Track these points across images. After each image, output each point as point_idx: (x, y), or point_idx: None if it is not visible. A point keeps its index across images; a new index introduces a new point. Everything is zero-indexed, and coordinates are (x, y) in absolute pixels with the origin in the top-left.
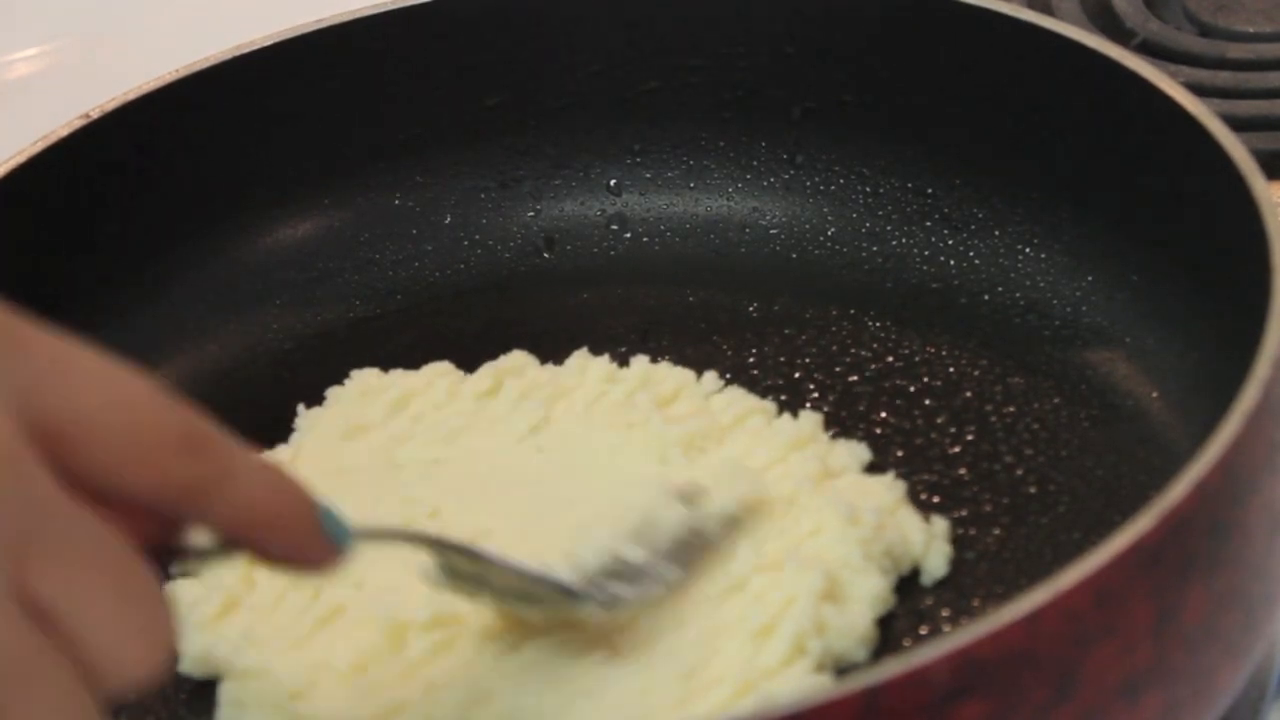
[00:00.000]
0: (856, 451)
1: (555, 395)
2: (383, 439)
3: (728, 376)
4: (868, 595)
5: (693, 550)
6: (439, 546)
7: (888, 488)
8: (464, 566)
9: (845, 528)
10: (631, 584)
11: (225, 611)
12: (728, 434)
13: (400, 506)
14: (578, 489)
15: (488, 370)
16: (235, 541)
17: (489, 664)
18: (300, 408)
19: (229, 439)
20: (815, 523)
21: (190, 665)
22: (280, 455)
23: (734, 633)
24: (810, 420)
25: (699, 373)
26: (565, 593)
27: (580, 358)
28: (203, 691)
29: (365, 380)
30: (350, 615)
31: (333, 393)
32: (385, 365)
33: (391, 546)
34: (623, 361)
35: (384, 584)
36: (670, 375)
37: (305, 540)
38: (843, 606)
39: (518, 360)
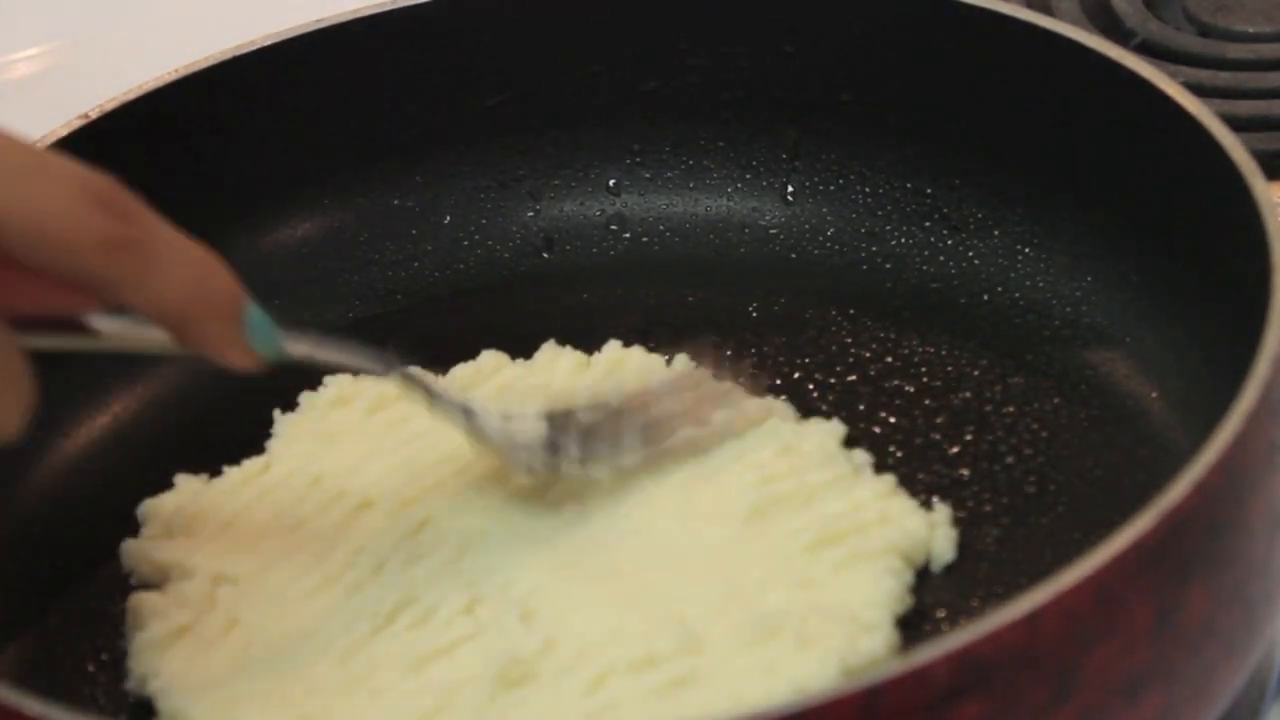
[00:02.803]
0: (831, 429)
1: (527, 391)
2: (360, 443)
3: (727, 377)
4: (882, 599)
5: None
6: (381, 370)
7: (878, 484)
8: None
9: (832, 543)
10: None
11: (177, 635)
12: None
13: (385, 510)
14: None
15: (459, 371)
16: (153, 324)
17: None
18: (276, 413)
19: (158, 224)
20: (811, 536)
21: (135, 683)
22: (257, 463)
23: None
24: (783, 407)
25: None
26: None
27: (549, 350)
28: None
29: (339, 386)
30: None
31: (306, 398)
32: None
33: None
34: None
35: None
36: (640, 361)
37: (225, 338)
38: (857, 618)
39: (490, 360)
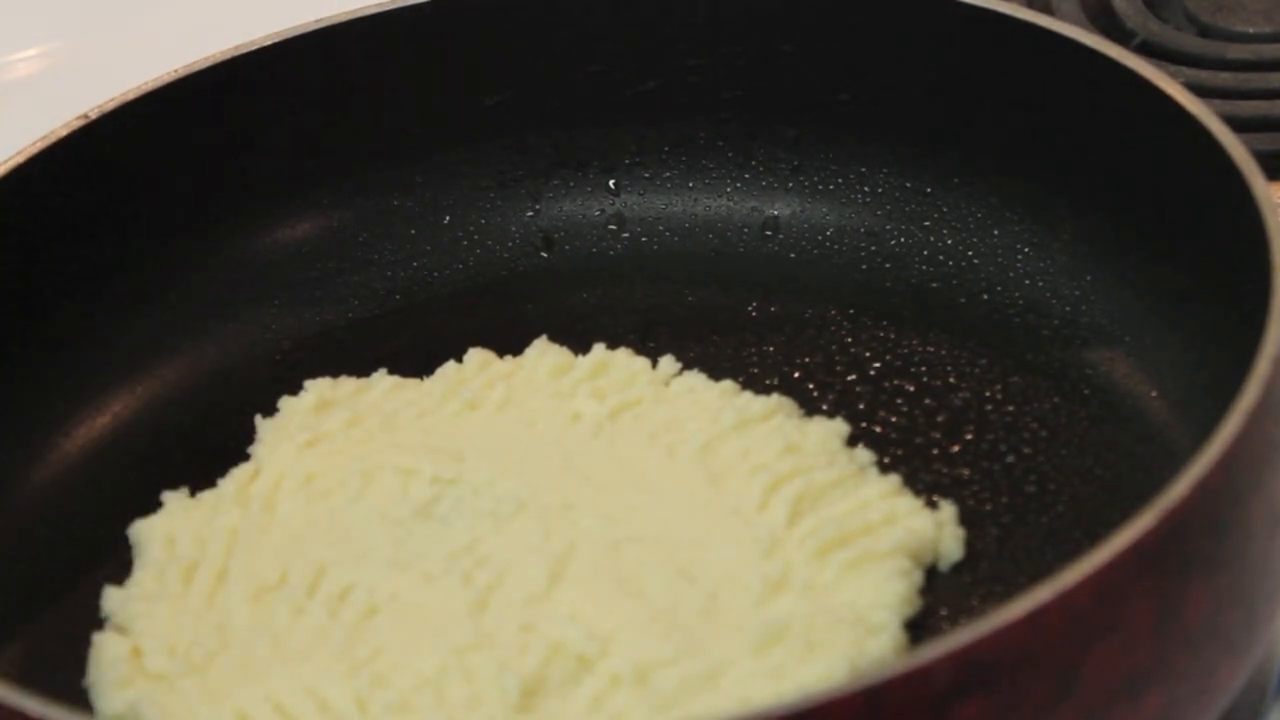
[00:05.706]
0: (834, 428)
1: (510, 392)
2: (346, 445)
3: (727, 377)
4: (889, 601)
5: None
6: None
7: (883, 483)
8: None
9: (840, 546)
10: None
11: (149, 679)
12: (689, 415)
13: (375, 510)
14: (534, 476)
15: (446, 370)
16: None
17: None
18: (257, 418)
19: None
20: (816, 542)
21: None
22: (245, 470)
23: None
24: (788, 404)
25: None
26: None
27: (538, 347)
28: None
29: (319, 390)
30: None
31: (286, 403)
32: (385, 365)
33: None
34: None
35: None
36: (626, 362)
37: None
38: (864, 620)
39: (476, 358)
